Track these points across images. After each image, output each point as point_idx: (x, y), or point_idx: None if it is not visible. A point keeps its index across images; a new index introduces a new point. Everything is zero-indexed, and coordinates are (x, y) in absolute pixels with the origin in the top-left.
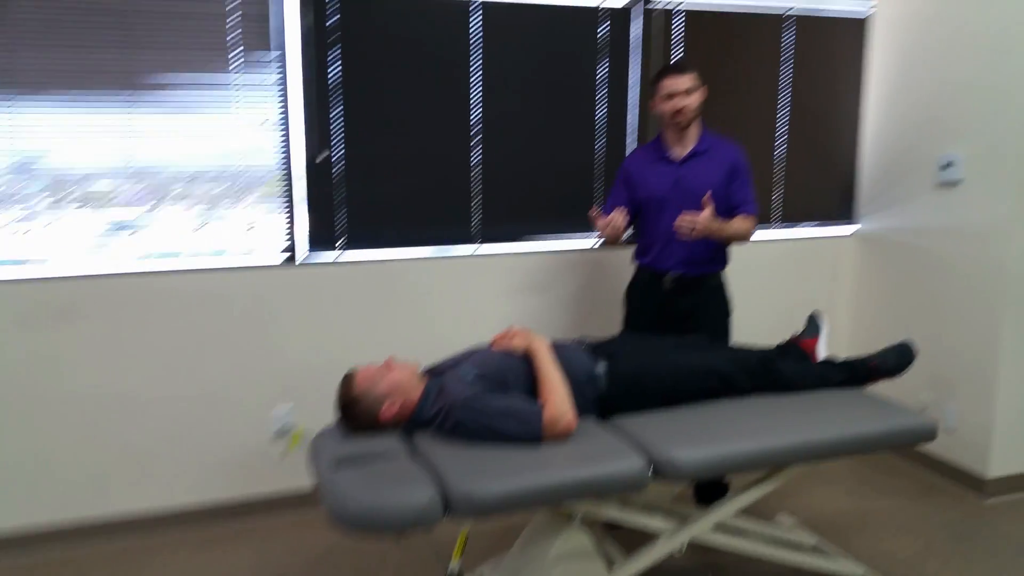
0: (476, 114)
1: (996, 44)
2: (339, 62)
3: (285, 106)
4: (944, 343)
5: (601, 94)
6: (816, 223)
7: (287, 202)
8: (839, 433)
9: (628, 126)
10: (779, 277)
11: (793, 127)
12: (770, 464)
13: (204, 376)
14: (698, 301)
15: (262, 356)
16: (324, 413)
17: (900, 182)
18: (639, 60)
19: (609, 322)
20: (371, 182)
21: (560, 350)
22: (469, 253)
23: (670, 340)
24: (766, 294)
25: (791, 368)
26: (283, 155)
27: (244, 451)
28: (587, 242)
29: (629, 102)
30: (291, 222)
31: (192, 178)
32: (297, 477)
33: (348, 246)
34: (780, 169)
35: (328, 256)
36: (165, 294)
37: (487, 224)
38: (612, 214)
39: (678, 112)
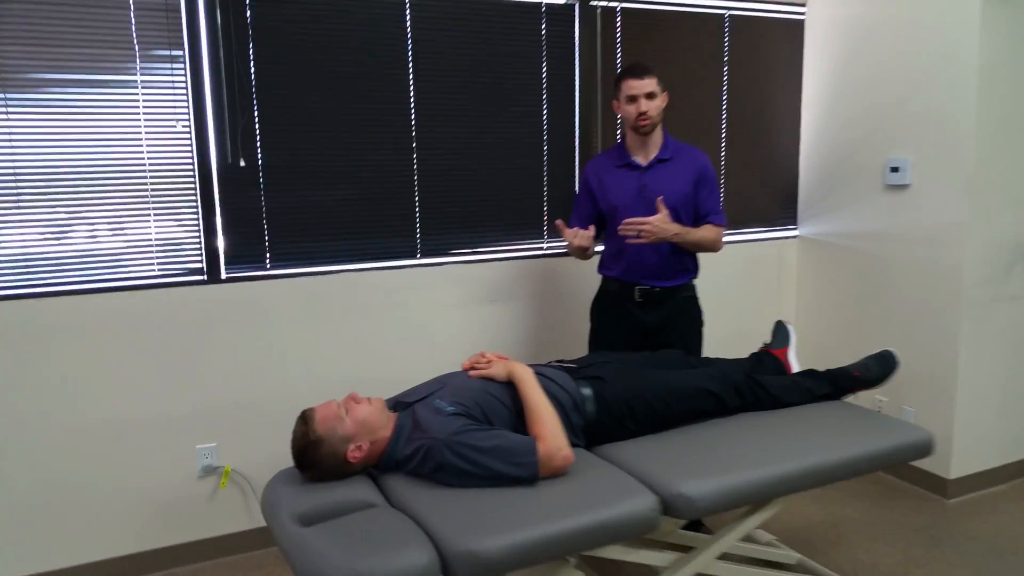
0: (414, 116)
1: (937, 44)
2: (258, 59)
3: (199, 107)
4: (897, 346)
5: (545, 94)
6: (757, 228)
7: (199, 212)
8: (848, 454)
9: (576, 127)
10: (724, 282)
11: (732, 129)
12: (782, 492)
13: (111, 412)
14: (669, 314)
15: (179, 385)
16: (255, 447)
17: (844, 186)
18: (583, 60)
19: (569, 333)
20: (297, 190)
21: (542, 376)
22: (412, 263)
23: (647, 357)
24: (711, 300)
25: (777, 383)
26: (194, 160)
27: (163, 495)
28: (537, 247)
29: (577, 103)
30: (206, 234)
31: (91, 185)
32: (227, 519)
33: (274, 260)
34: (720, 172)
35: (252, 271)
36: (61, 318)
37: (429, 233)
38: (576, 228)
39: (641, 116)
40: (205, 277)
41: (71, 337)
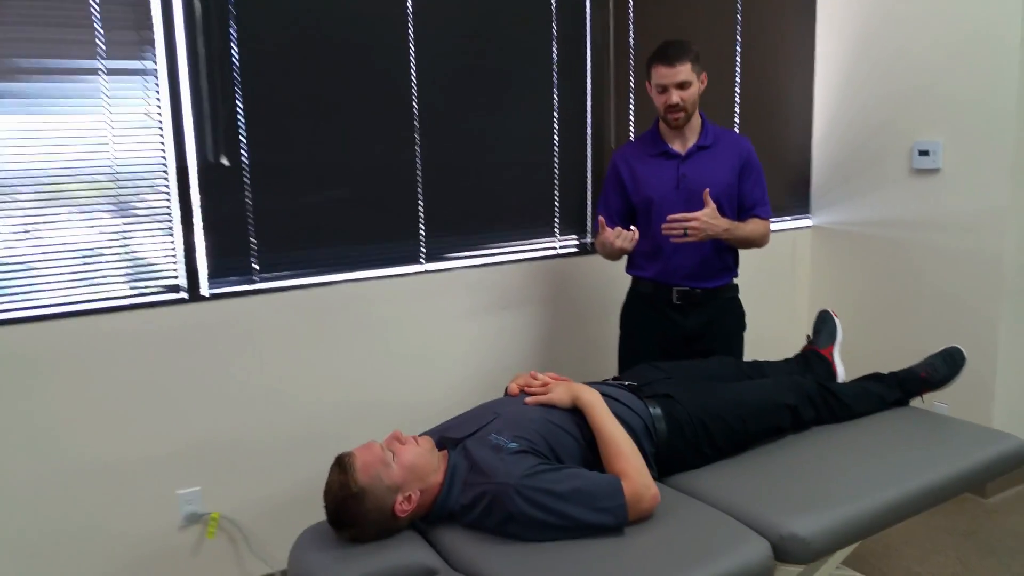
0: (416, 105)
1: (972, 21)
2: (242, 43)
3: (175, 98)
4: (929, 338)
5: (556, 80)
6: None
7: (176, 219)
8: (951, 472)
9: (588, 117)
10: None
11: (745, 112)
12: (893, 521)
13: (78, 454)
14: (711, 318)
15: (157, 421)
16: (246, 490)
17: (864, 172)
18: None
19: (591, 340)
20: (287, 191)
21: (608, 398)
22: (418, 270)
23: (698, 366)
24: None
25: (848, 392)
26: (169, 159)
27: (140, 549)
28: (550, 247)
29: (588, 90)
30: (184, 245)
31: (47, 191)
32: (216, 573)
33: (263, 272)
34: None
35: (238, 285)
36: (16, 348)
37: (434, 236)
38: (619, 228)
39: (671, 108)
40: (184, 295)
41: (29, 370)
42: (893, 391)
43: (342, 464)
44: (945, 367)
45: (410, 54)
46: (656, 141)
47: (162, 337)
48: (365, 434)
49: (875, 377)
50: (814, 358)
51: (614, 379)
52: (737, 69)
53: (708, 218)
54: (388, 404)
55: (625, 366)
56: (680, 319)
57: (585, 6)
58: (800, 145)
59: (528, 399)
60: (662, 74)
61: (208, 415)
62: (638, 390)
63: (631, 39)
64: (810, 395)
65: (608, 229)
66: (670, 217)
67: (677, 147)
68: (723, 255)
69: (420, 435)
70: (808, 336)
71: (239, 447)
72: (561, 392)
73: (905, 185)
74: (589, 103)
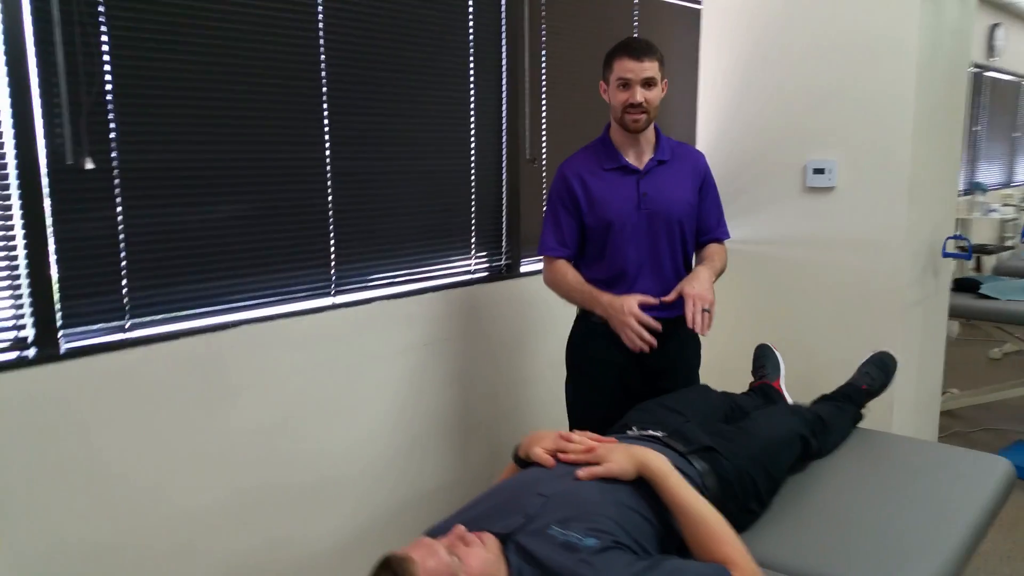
0: (326, 99)
1: (859, 40)
2: (111, 15)
3: (18, 82)
4: (831, 354)
5: (473, 79)
6: None
7: (20, 243)
8: (985, 504)
9: (503, 121)
10: None
11: None
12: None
13: None
14: (674, 351)
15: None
16: None
17: (753, 190)
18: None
19: (528, 376)
20: (169, 204)
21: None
22: (327, 304)
23: (700, 399)
24: None
25: (827, 415)
26: (9, 159)
27: None
28: (465, 269)
29: (504, 91)
30: (33, 279)
31: None
32: None
33: (137, 313)
34: None
35: (105, 335)
36: None
37: (347, 260)
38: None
39: (632, 108)
40: (31, 352)
41: None
42: (852, 409)
43: (397, 571)
44: (881, 374)
45: (319, 42)
46: (611, 153)
47: (2, 414)
48: (275, 529)
49: (827, 399)
50: (772, 392)
51: (621, 426)
52: None
53: (701, 290)
54: (306, 481)
55: (578, 408)
56: (641, 354)
57: (501, 11)
58: None
59: (581, 473)
60: (627, 67)
61: (67, 515)
62: (673, 442)
63: (543, 38)
64: (812, 424)
65: (636, 314)
66: (692, 309)
67: (634, 161)
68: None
69: (486, 534)
70: (755, 373)
71: (108, 559)
72: (622, 460)
73: (799, 203)
74: (504, 107)
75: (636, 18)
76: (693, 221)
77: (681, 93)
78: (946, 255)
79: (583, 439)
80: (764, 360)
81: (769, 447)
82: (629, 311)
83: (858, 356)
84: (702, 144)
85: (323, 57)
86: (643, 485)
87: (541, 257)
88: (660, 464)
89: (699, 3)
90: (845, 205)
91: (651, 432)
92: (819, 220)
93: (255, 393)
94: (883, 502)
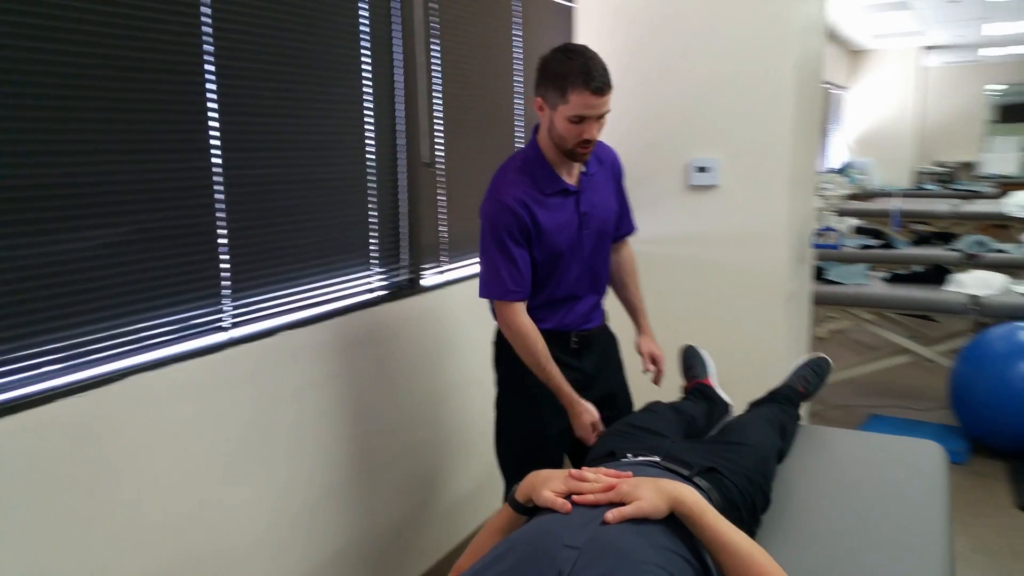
0: (215, 96)
1: (738, 40)
2: None
3: None
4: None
5: (365, 74)
6: None
7: None
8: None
9: (397, 123)
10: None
11: (525, 126)
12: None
13: None
14: (603, 355)
15: None
16: None
17: (635, 190)
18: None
19: (456, 395)
20: (23, 230)
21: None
22: (223, 341)
23: (648, 418)
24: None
25: (787, 423)
26: None
27: None
28: (365, 284)
29: (399, 88)
30: None
31: None
32: None
33: None
34: None
35: None
36: None
37: (243, 287)
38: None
39: (584, 144)
40: None
41: None
42: (792, 411)
43: None
44: (816, 377)
45: (205, 29)
46: (549, 175)
47: None
48: None
49: (769, 401)
50: (708, 391)
51: (610, 455)
52: (515, 91)
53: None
54: (197, 559)
55: (516, 428)
56: (578, 363)
57: (392, 17)
58: None
59: (610, 516)
60: (588, 103)
61: None
62: (672, 466)
63: (433, 44)
64: (781, 433)
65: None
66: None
67: (568, 178)
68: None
69: None
70: (686, 375)
71: None
72: (652, 497)
73: (683, 201)
74: (401, 107)
75: (517, 14)
76: (613, 225)
77: None
78: (816, 246)
79: (598, 476)
80: (692, 360)
81: (759, 462)
82: (591, 420)
83: (746, 349)
84: None
85: (210, 48)
86: (676, 522)
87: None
88: (695, 499)
89: (573, 1)
90: (728, 202)
91: (646, 457)
92: (704, 217)
93: (141, 461)
94: (856, 505)
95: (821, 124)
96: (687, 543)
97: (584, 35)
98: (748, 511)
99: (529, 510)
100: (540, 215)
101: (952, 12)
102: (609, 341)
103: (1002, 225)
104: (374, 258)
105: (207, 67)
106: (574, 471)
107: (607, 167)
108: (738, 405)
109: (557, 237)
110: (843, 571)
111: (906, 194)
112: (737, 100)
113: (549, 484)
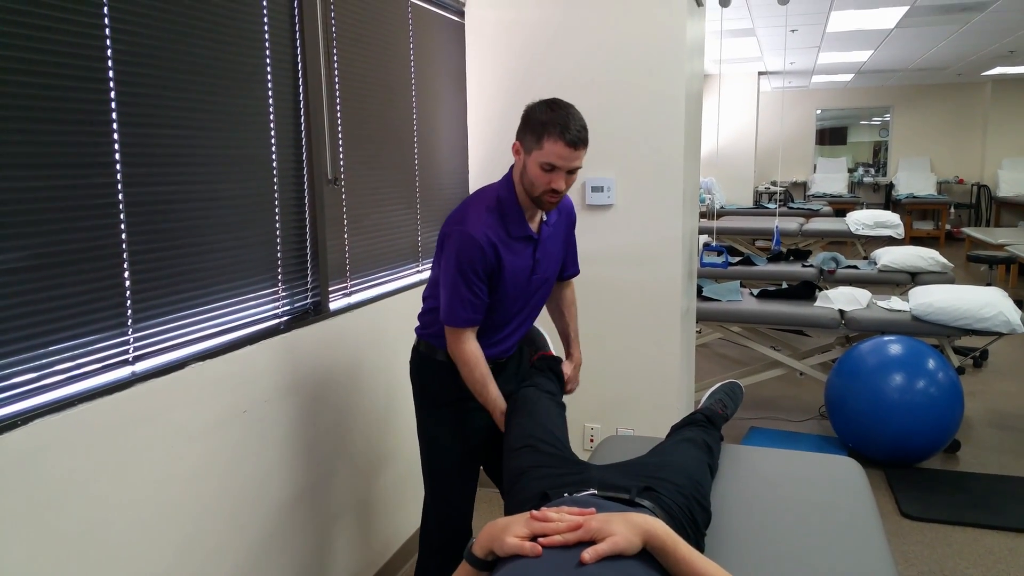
0: (115, 107)
1: (630, 61)
2: None
3: None
4: (616, 367)
5: (271, 82)
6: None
7: None
8: (875, 509)
9: (302, 131)
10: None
11: (420, 145)
12: None
13: None
14: (514, 376)
15: None
16: None
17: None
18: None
19: (375, 420)
20: None
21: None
22: (125, 377)
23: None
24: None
25: (713, 442)
26: None
27: None
28: (272, 312)
29: (301, 99)
30: None
31: None
32: None
33: None
34: (417, 199)
35: None
36: None
37: (146, 316)
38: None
39: (554, 194)
40: None
41: None
42: (716, 432)
43: None
44: (732, 402)
45: (105, 31)
46: (519, 220)
47: None
48: None
49: (688, 424)
50: (551, 362)
51: (543, 497)
52: (414, 108)
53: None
54: None
55: (446, 440)
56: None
57: (295, 23)
58: (456, 184)
59: (587, 555)
60: (561, 155)
61: None
62: (612, 494)
63: (334, 52)
64: (708, 452)
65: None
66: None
67: (532, 225)
68: None
69: None
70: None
71: None
72: (625, 532)
73: (581, 221)
74: (303, 119)
75: (411, 27)
76: (556, 269)
77: (451, 112)
78: (704, 264)
79: (562, 515)
80: (533, 336)
81: (692, 478)
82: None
83: (644, 364)
84: (475, 163)
85: (109, 52)
86: (648, 556)
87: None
88: (667, 531)
89: (462, 17)
90: (624, 221)
91: (583, 492)
92: (601, 236)
93: (44, 520)
94: (798, 523)
95: (698, 144)
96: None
97: (474, 52)
98: (692, 526)
99: (489, 564)
100: (505, 258)
101: (792, 40)
102: (521, 365)
103: (840, 241)
104: (280, 280)
105: (109, 75)
106: (535, 512)
107: (564, 217)
108: (637, 424)
109: (511, 279)
110: None
111: (750, 213)
112: (630, 119)
113: (510, 530)
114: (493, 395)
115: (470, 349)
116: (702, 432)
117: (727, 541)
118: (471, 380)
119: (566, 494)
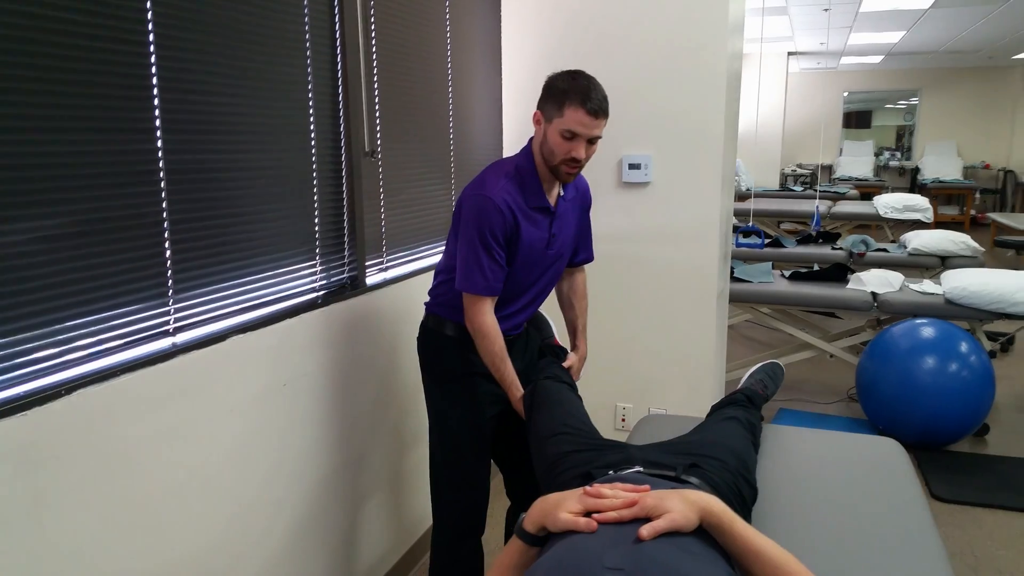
0: (156, 75)
1: (670, 37)
2: None
3: None
4: (646, 349)
5: (309, 53)
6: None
7: None
8: (920, 489)
9: (340, 103)
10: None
11: (457, 118)
12: None
13: None
14: (527, 351)
15: None
16: None
17: None
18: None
19: (405, 405)
20: None
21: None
22: (167, 348)
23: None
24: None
25: (757, 421)
26: None
27: None
28: (310, 282)
29: (340, 67)
30: None
31: None
32: None
33: None
34: (452, 175)
35: None
36: None
37: (187, 288)
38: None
39: (574, 163)
40: None
41: None
42: (756, 412)
43: None
44: (772, 382)
45: (148, 25)
46: (537, 190)
47: None
48: None
49: (728, 404)
50: (559, 350)
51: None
52: (449, 81)
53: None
54: None
55: (458, 415)
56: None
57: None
58: (490, 159)
59: (644, 531)
60: (582, 122)
61: None
62: (658, 471)
63: (372, 27)
64: (751, 423)
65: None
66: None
67: (550, 198)
68: None
69: None
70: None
71: None
72: (682, 508)
73: (616, 198)
74: (341, 91)
75: (447, 3)
76: (570, 250)
77: (486, 85)
78: (739, 245)
79: (616, 491)
80: (539, 324)
81: (737, 455)
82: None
83: (679, 346)
84: (508, 139)
85: (150, 14)
86: (704, 533)
87: (464, 291)
88: (723, 508)
89: None
90: (661, 199)
91: (629, 470)
92: (636, 215)
93: (90, 491)
94: (844, 504)
95: (736, 124)
96: (721, 554)
97: (511, 25)
98: (739, 503)
99: (541, 540)
100: (522, 226)
101: (824, 19)
102: (533, 340)
103: (866, 224)
104: (319, 254)
105: (150, 39)
106: (589, 488)
107: (579, 196)
108: (669, 405)
109: (527, 250)
110: (851, 570)
111: (776, 195)
112: (669, 96)
113: (564, 506)
114: (510, 374)
115: (489, 321)
116: (742, 411)
117: (773, 521)
118: (489, 353)
119: (610, 472)
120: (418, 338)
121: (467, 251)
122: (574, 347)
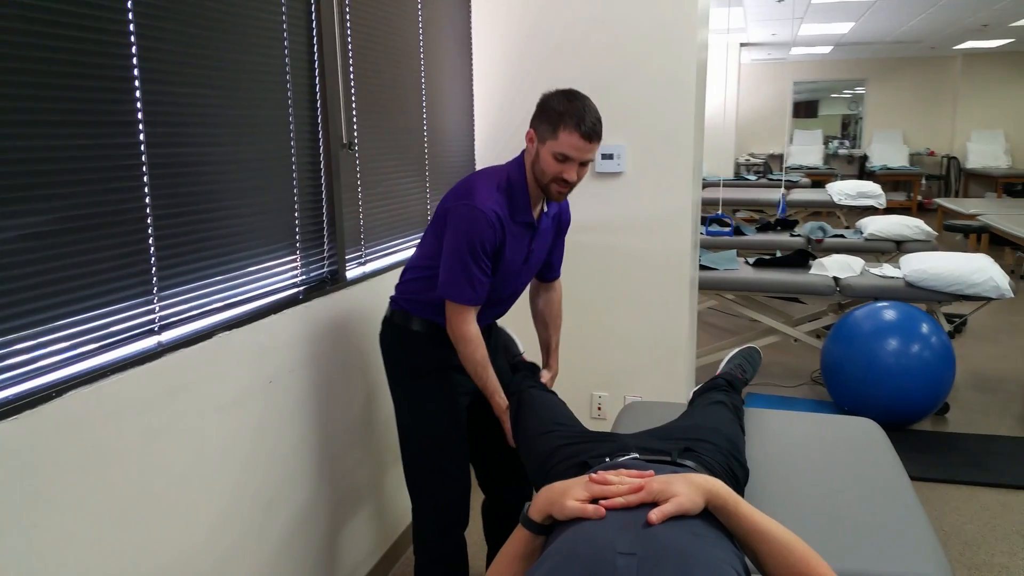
0: (137, 68)
1: (639, 28)
2: None
3: None
4: (623, 337)
5: (287, 41)
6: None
7: None
8: (901, 467)
9: (317, 94)
10: None
11: (430, 115)
12: None
13: None
14: (493, 345)
15: None
16: None
17: None
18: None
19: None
20: None
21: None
22: (152, 347)
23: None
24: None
25: (740, 405)
26: None
27: None
28: (291, 277)
29: (316, 56)
30: None
31: None
32: None
33: None
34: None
35: None
36: None
37: (171, 285)
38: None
39: (564, 184)
40: None
41: None
42: (737, 396)
43: None
44: (751, 367)
45: (129, 15)
46: (525, 206)
47: None
48: None
49: (716, 388)
50: (532, 366)
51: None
52: (422, 73)
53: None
54: None
55: (430, 416)
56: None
57: None
58: (463, 151)
59: (653, 515)
60: (576, 146)
61: None
62: (653, 456)
63: (348, 24)
64: (735, 406)
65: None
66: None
67: (534, 214)
68: None
69: None
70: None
71: None
72: (689, 492)
73: (589, 188)
74: (317, 81)
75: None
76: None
77: (458, 79)
78: (708, 233)
79: (621, 477)
80: (507, 343)
81: (727, 437)
82: (506, 405)
83: (654, 334)
84: (481, 132)
85: (130, 3)
86: (710, 516)
87: (451, 300)
88: (728, 490)
89: None
90: (634, 189)
91: (625, 456)
92: (610, 204)
93: (82, 493)
94: (828, 483)
95: (703, 114)
96: (724, 534)
97: (480, 19)
98: (733, 483)
99: (547, 528)
100: (508, 239)
101: (777, 11)
102: (496, 335)
103: (819, 211)
104: (299, 247)
105: (130, 29)
106: (594, 475)
107: (559, 216)
108: (644, 392)
109: (508, 263)
110: (843, 547)
111: (735, 184)
112: (640, 86)
113: (570, 493)
114: (493, 381)
115: (473, 330)
116: (724, 395)
117: (763, 501)
118: (472, 361)
119: (607, 459)
120: (381, 334)
121: (454, 261)
122: (546, 364)
